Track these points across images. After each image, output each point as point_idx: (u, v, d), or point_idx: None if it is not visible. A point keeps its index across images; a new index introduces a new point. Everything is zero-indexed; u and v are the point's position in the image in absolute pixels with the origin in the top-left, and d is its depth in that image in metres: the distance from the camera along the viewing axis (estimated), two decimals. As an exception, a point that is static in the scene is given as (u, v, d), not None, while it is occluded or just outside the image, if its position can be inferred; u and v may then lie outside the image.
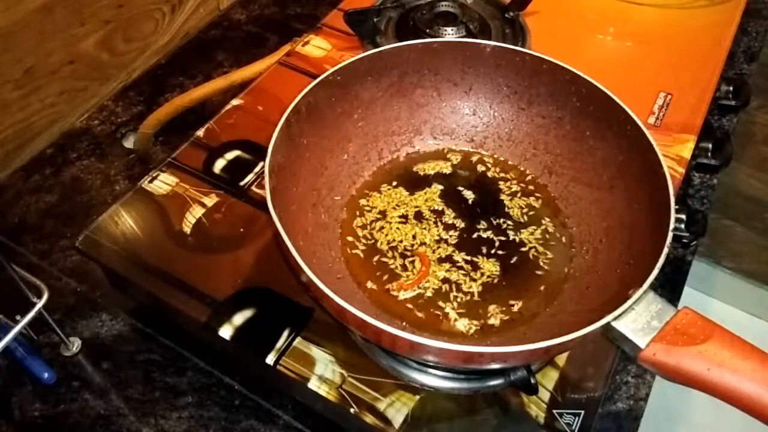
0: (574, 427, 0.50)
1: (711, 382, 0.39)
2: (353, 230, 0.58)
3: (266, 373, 0.53)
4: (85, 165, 0.72)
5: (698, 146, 0.69)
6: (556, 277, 0.55)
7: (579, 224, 0.58)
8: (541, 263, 0.56)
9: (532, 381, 0.48)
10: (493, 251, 0.57)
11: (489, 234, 0.58)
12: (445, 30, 0.78)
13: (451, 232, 0.58)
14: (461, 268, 0.56)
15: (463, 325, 0.52)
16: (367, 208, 0.60)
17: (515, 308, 0.53)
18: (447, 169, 0.63)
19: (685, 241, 0.62)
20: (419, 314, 0.53)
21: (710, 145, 0.70)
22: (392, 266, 0.56)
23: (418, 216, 0.59)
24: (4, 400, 0.54)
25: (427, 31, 0.78)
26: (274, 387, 0.54)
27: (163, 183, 0.65)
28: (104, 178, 0.71)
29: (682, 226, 0.60)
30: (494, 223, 0.59)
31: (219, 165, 0.67)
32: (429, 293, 0.54)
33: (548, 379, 0.52)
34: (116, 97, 0.81)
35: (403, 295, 0.53)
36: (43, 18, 0.68)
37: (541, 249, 0.57)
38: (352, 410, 0.50)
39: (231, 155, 0.68)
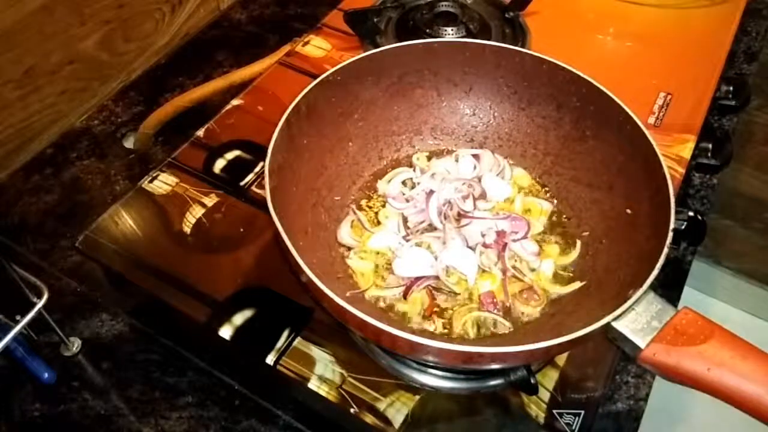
0: (574, 427, 0.50)
1: (711, 382, 0.39)
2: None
3: (266, 373, 0.53)
4: (85, 165, 0.72)
5: (698, 146, 0.69)
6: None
7: (579, 224, 0.58)
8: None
9: (532, 381, 0.48)
10: (493, 251, 0.57)
11: (489, 234, 0.58)
12: (445, 30, 0.78)
13: (451, 232, 0.58)
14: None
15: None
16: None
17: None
18: (447, 169, 0.63)
19: (684, 246, 0.62)
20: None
21: (710, 145, 0.70)
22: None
23: (418, 216, 0.59)
24: (4, 400, 0.54)
25: (427, 31, 0.78)
26: (274, 387, 0.54)
27: (163, 183, 0.65)
28: (104, 178, 0.71)
29: (682, 228, 0.60)
30: (494, 223, 0.59)
31: (219, 165, 0.67)
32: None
33: (548, 379, 0.52)
34: (116, 97, 0.80)
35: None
36: (43, 18, 0.68)
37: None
38: (352, 410, 0.50)
39: (231, 155, 0.68)
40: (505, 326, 0.52)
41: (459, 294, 0.54)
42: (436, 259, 0.54)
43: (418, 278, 0.54)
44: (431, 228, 0.58)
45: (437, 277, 0.54)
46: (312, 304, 0.55)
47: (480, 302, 0.53)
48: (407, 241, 0.56)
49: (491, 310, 0.52)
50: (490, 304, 0.53)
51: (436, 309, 0.53)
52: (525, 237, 0.56)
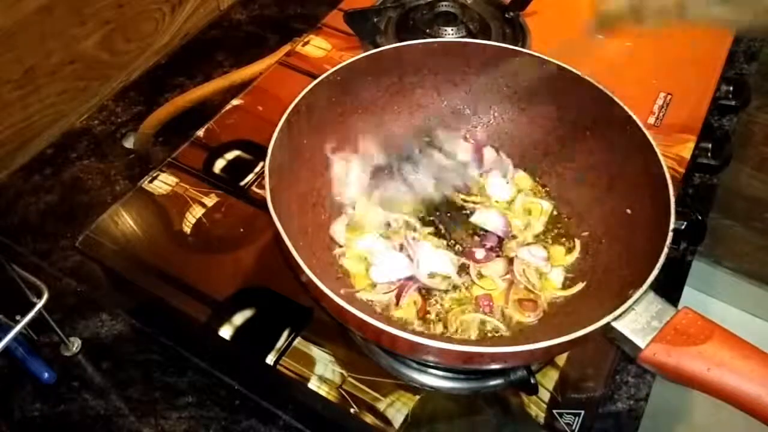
0: (574, 427, 0.50)
1: (711, 382, 0.39)
2: (353, 230, 0.58)
3: (266, 373, 0.53)
4: (85, 165, 0.72)
5: (698, 146, 0.69)
6: (556, 277, 0.55)
7: (579, 224, 0.58)
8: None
9: (532, 381, 0.48)
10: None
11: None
12: (445, 30, 0.78)
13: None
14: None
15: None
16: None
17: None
18: (447, 169, 0.63)
19: (684, 246, 0.62)
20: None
21: (710, 145, 0.70)
22: (392, 266, 0.56)
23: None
24: (4, 400, 0.54)
25: (427, 31, 0.78)
26: (274, 387, 0.54)
27: (163, 183, 0.65)
28: (104, 178, 0.71)
29: (682, 228, 0.60)
30: (494, 223, 0.59)
31: (219, 165, 0.67)
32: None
33: (548, 379, 0.52)
34: (116, 97, 0.80)
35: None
36: (43, 18, 0.68)
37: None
38: (352, 410, 0.50)
39: (231, 155, 0.68)
40: (501, 329, 0.52)
41: (448, 292, 0.54)
42: (411, 260, 0.54)
43: (406, 281, 0.53)
44: (410, 226, 0.57)
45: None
46: (312, 304, 0.55)
47: (477, 304, 0.53)
48: (387, 238, 0.56)
49: (487, 312, 0.52)
50: (486, 306, 0.53)
51: (429, 310, 0.53)
52: (506, 234, 0.57)
